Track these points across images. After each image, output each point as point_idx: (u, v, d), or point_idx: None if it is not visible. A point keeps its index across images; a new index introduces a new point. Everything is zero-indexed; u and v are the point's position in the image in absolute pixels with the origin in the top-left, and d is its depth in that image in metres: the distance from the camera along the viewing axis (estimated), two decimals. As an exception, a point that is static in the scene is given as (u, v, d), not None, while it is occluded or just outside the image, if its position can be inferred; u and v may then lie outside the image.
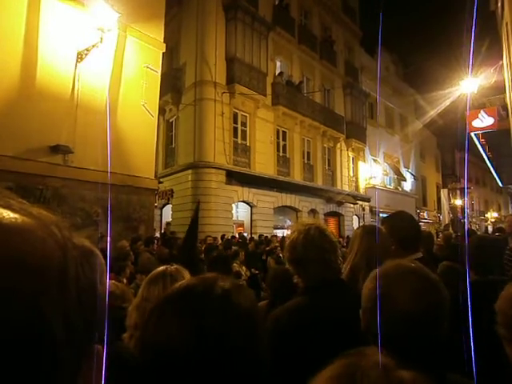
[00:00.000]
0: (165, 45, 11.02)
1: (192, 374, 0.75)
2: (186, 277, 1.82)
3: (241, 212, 16.75)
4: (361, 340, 1.13)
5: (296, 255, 1.83)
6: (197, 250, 5.25)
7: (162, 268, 1.87)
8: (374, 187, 23.91)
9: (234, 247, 8.78)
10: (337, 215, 21.67)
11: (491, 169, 18.20)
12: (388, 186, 26.79)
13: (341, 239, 14.58)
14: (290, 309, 1.71)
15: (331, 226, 21.10)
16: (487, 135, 14.26)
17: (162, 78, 11.20)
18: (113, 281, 2.52)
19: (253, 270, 8.18)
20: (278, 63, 18.77)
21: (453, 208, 30.13)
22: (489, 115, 13.20)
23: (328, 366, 0.62)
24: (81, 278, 0.40)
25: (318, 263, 1.78)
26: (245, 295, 0.86)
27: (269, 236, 12.56)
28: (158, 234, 12.03)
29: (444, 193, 29.47)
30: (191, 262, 3.89)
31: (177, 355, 0.75)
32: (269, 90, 17.16)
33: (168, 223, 13.42)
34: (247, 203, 16.43)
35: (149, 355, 0.79)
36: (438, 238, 8.46)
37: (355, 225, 21.88)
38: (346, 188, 22.09)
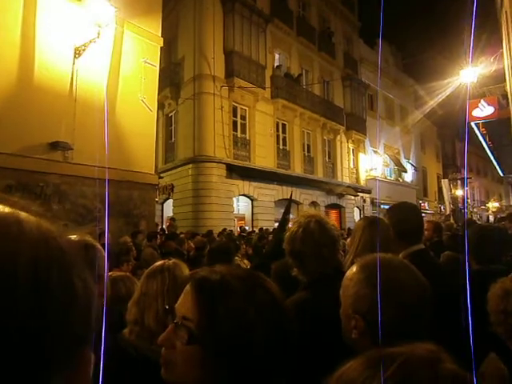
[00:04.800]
0: (162, 39, 10.96)
1: None
2: (185, 271, 1.81)
3: (242, 205, 16.77)
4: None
5: (294, 248, 1.84)
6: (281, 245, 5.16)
7: (160, 262, 1.86)
8: (374, 179, 23.89)
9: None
10: (338, 207, 21.67)
11: (492, 158, 18.12)
12: (389, 178, 26.76)
13: (342, 231, 14.60)
14: (293, 303, 1.72)
15: (332, 219, 21.10)
16: (487, 125, 14.19)
17: (160, 73, 11.16)
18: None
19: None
20: (277, 56, 18.68)
21: (454, 198, 30.10)
22: (489, 104, 13.13)
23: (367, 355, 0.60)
24: (63, 279, 0.39)
25: (315, 258, 1.79)
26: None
27: (270, 229, 12.57)
28: (158, 229, 12.03)
29: (445, 183, 29.40)
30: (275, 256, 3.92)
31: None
32: (268, 83, 17.10)
33: (172, 218, 13.41)
34: (248, 197, 16.44)
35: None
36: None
37: (356, 217, 21.89)
38: (346, 180, 22.08)
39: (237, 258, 7.09)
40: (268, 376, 0.81)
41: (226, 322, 0.79)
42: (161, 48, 10.93)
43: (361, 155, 23.73)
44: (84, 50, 8.53)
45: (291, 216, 18.24)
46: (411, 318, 1.13)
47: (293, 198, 18.17)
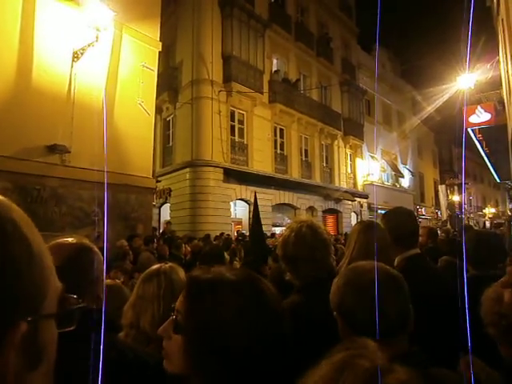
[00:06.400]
0: (161, 43, 10.97)
1: None
2: (181, 275, 1.80)
3: (239, 210, 16.75)
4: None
5: (287, 253, 1.85)
6: (265, 244, 5.18)
7: (156, 266, 1.85)
8: (371, 184, 23.94)
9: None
10: (335, 212, 21.68)
11: (488, 164, 18.18)
12: (386, 183, 26.82)
13: (339, 236, 14.60)
14: (286, 307, 1.72)
15: (329, 224, 21.13)
16: (484, 131, 14.26)
17: (158, 77, 11.16)
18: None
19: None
20: (275, 61, 18.74)
21: (450, 204, 30.16)
22: (486, 111, 13.21)
23: (322, 362, 0.62)
24: None
25: (308, 262, 1.80)
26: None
27: (267, 233, 12.56)
28: (157, 233, 12.01)
29: (442, 189, 29.46)
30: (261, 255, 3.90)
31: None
32: (266, 88, 17.13)
33: (168, 222, 13.42)
34: (245, 201, 16.42)
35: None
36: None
37: (353, 222, 21.90)
38: (343, 185, 22.12)
39: (235, 262, 7.13)
40: (258, 370, 0.83)
41: (209, 313, 0.83)
42: (159, 52, 10.94)
43: (358, 160, 23.78)
44: (82, 53, 8.53)
45: (287, 220, 17.99)
46: (384, 314, 1.14)
47: (290, 202, 18.21)
